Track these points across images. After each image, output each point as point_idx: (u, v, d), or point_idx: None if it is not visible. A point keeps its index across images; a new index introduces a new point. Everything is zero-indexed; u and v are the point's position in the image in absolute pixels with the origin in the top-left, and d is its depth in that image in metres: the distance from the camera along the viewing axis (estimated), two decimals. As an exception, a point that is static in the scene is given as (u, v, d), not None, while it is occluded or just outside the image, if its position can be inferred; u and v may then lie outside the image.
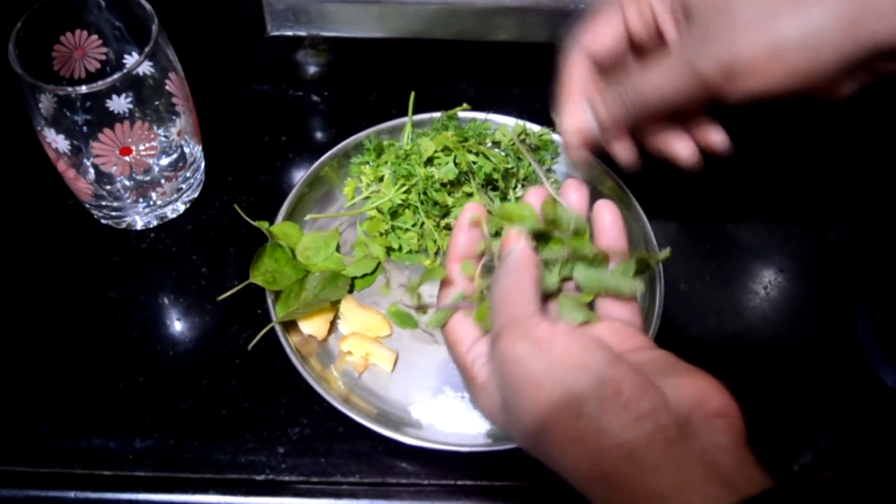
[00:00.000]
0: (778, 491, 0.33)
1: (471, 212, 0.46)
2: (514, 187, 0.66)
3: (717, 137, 0.52)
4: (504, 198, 0.65)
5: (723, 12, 0.43)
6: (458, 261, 0.46)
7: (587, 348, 0.38)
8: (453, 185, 0.64)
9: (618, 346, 0.40)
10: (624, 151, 0.54)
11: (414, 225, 0.64)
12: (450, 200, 0.63)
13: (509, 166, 0.65)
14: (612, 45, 0.51)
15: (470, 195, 0.64)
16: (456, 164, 0.63)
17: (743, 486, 0.33)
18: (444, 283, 0.46)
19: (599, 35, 0.51)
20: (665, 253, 0.46)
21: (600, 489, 0.36)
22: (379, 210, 0.64)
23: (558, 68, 0.53)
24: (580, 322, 0.42)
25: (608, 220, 0.45)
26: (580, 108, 0.51)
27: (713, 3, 0.44)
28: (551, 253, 0.45)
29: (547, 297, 0.44)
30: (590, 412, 0.35)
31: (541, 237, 0.46)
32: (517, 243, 0.43)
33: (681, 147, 0.52)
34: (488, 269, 0.45)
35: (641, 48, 0.50)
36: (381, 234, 0.64)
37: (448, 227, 0.64)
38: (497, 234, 0.46)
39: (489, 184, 0.65)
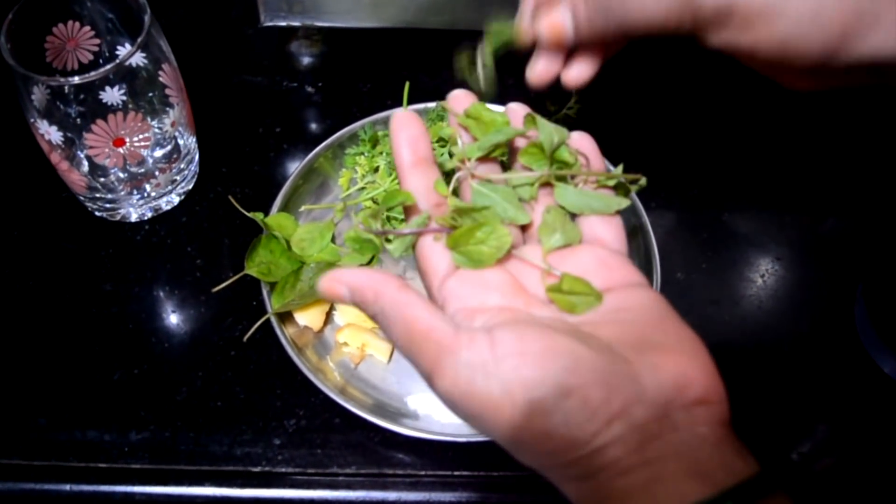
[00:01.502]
0: (754, 481, 0.32)
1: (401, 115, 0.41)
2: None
3: (574, 73, 0.49)
4: None
5: None
6: (413, 172, 0.41)
7: (541, 359, 0.33)
8: (448, 175, 0.63)
9: (603, 280, 0.38)
10: (581, 68, 0.50)
11: None
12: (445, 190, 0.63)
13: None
14: None
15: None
16: (451, 155, 0.63)
17: (721, 478, 0.32)
18: (409, 207, 0.41)
19: None
20: (642, 181, 0.43)
21: (574, 490, 0.34)
22: (374, 201, 0.64)
23: None
24: (560, 245, 0.39)
25: (587, 147, 0.43)
26: (561, 9, 0.46)
27: None
28: (532, 172, 0.42)
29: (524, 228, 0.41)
30: (557, 428, 0.33)
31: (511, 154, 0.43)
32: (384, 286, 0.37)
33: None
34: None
35: None
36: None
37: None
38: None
39: None
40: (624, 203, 0.41)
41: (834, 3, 0.39)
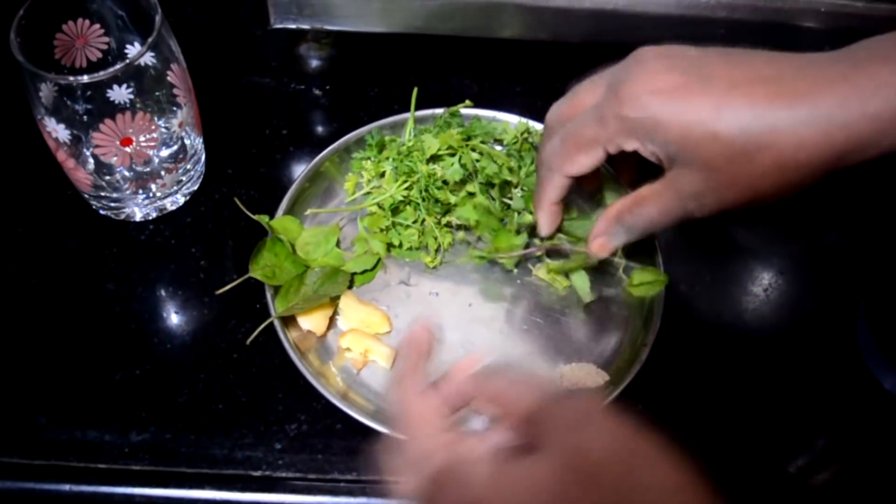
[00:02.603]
0: None
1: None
2: (516, 186, 0.65)
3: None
4: (505, 196, 0.65)
5: (713, 172, 0.46)
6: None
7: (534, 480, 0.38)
8: (456, 183, 0.64)
9: None
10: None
11: (415, 222, 0.64)
12: (452, 198, 0.63)
13: (512, 166, 0.65)
14: (589, 171, 0.52)
15: (472, 195, 0.63)
16: (462, 165, 0.63)
17: None
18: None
19: (579, 164, 0.52)
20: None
21: None
22: (380, 206, 0.64)
23: (538, 182, 0.56)
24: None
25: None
26: (556, 221, 0.58)
27: (702, 161, 0.46)
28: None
29: None
30: None
31: None
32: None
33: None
34: None
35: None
36: (382, 231, 0.64)
37: (449, 225, 0.64)
38: None
39: (491, 184, 0.65)
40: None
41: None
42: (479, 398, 0.43)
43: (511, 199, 0.64)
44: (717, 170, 0.46)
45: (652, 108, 0.46)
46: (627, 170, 0.59)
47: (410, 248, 0.64)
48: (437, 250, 0.64)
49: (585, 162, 0.51)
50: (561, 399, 0.41)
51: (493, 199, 0.64)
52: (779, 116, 0.44)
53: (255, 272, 0.60)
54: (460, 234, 0.65)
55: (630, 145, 0.48)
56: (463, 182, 0.64)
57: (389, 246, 0.64)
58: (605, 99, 0.49)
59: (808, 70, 0.45)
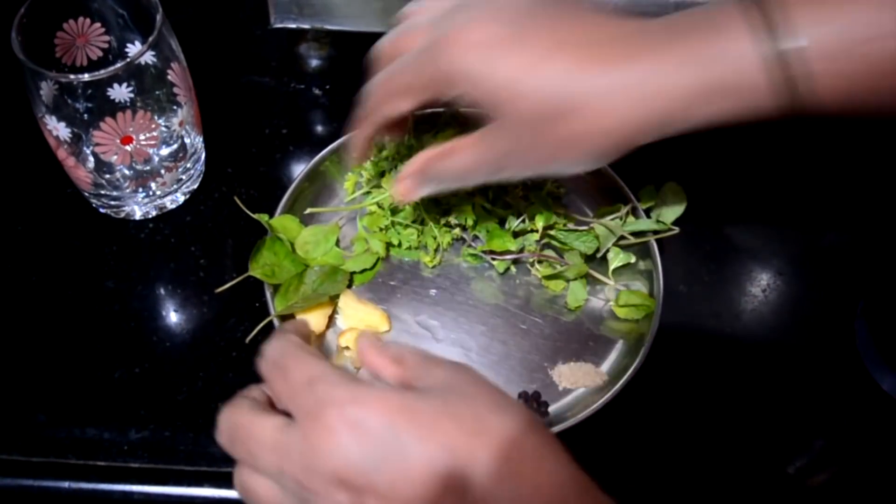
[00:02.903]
0: None
1: None
2: (515, 187, 0.65)
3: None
4: (505, 194, 0.65)
5: (527, 128, 0.46)
6: None
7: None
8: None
9: None
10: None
11: (414, 221, 0.64)
12: (451, 199, 0.63)
13: None
14: (405, 114, 0.52)
15: (472, 194, 0.63)
16: None
17: None
18: None
19: (395, 107, 0.51)
20: None
21: None
22: (379, 206, 0.64)
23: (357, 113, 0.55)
24: None
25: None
26: (365, 154, 0.58)
27: (519, 117, 0.46)
28: None
29: None
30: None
31: None
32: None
33: None
34: None
35: None
36: (381, 230, 0.64)
37: (449, 225, 0.64)
38: None
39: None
40: None
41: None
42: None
43: (511, 200, 0.65)
44: (526, 128, 0.46)
45: (469, 60, 0.45)
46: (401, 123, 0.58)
47: (410, 248, 0.64)
48: (436, 250, 0.64)
49: (402, 106, 0.50)
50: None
51: (491, 199, 0.64)
52: (591, 80, 0.44)
53: (255, 271, 0.60)
54: (456, 231, 0.64)
55: (448, 93, 0.48)
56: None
57: (389, 245, 0.64)
58: (427, 45, 0.48)
59: (633, 37, 0.45)
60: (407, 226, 0.64)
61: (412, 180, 0.53)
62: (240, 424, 0.40)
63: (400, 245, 0.64)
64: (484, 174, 0.50)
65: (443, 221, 0.64)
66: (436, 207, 0.64)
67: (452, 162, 0.50)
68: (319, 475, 0.36)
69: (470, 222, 0.63)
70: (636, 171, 0.65)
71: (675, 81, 0.43)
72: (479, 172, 0.50)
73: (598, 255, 0.63)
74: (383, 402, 0.37)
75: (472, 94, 0.46)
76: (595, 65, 0.44)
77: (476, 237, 0.65)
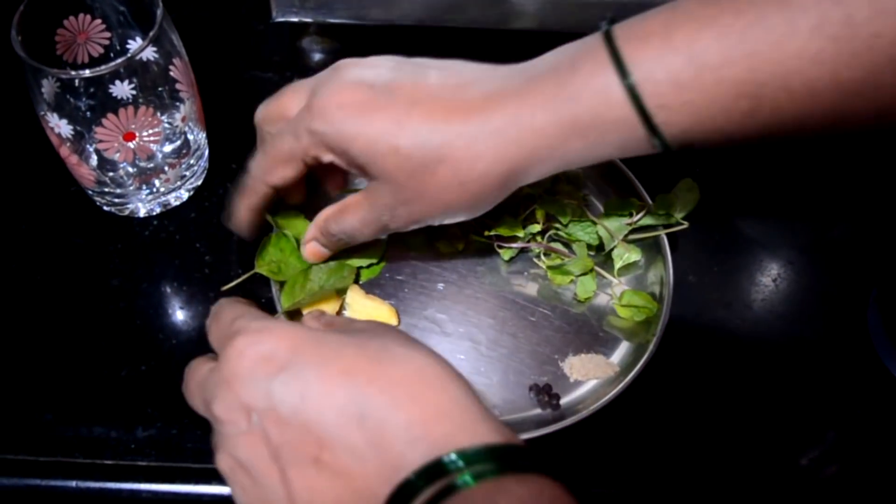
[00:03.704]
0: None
1: None
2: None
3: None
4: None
5: (400, 187, 0.48)
6: None
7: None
8: None
9: None
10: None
11: None
12: None
13: None
14: (291, 181, 0.53)
15: None
16: None
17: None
18: None
19: (280, 175, 0.53)
20: None
21: None
22: None
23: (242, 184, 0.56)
24: None
25: None
26: (256, 228, 0.59)
27: (389, 177, 0.48)
28: None
29: None
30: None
31: None
32: None
33: None
34: None
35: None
36: None
37: None
38: None
39: None
40: None
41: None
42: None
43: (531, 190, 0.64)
44: (401, 183, 0.48)
45: (338, 123, 0.48)
46: (334, 178, 0.60)
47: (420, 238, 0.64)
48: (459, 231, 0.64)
49: (287, 173, 0.52)
50: None
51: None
52: (454, 131, 0.46)
53: (261, 268, 0.59)
54: None
55: (326, 157, 0.50)
56: None
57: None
58: (302, 110, 0.50)
59: (492, 83, 0.47)
60: None
61: (315, 242, 0.57)
62: (186, 373, 0.43)
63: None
64: (373, 229, 0.53)
65: None
66: None
67: (346, 220, 0.53)
68: (226, 403, 0.38)
69: None
70: (647, 161, 0.64)
71: (539, 121, 0.45)
72: (368, 228, 0.53)
73: (606, 249, 0.63)
74: (291, 333, 0.38)
75: (350, 153, 0.48)
76: (459, 115, 0.46)
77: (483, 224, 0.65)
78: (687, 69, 0.42)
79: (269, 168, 0.53)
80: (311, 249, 0.58)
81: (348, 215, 0.53)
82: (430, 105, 0.46)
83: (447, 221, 0.52)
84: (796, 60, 0.40)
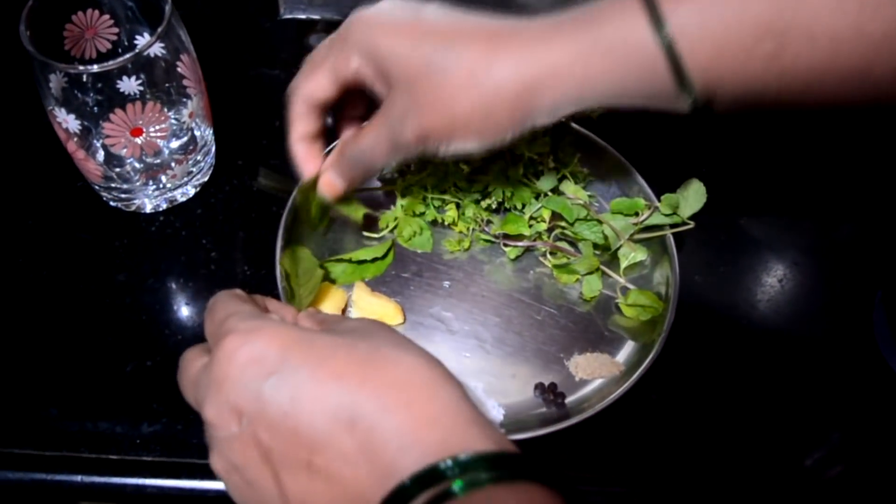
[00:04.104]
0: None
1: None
2: (540, 163, 0.64)
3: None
4: (531, 172, 0.64)
5: (414, 88, 0.48)
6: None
7: None
8: (483, 160, 0.63)
9: None
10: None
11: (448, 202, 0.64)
12: (484, 178, 0.63)
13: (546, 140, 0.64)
14: (330, 93, 0.53)
15: (505, 170, 0.63)
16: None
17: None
18: None
19: (314, 83, 0.54)
20: None
21: None
22: (423, 186, 0.64)
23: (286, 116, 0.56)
24: None
25: None
26: (314, 161, 0.57)
27: (406, 78, 0.48)
28: None
29: None
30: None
31: None
32: None
33: None
34: None
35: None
36: (417, 215, 0.64)
37: (489, 209, 0.65)
38: None
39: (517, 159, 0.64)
40: None
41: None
42: None
43: (538, 176, 0.64)
44: (417, 84, 0.47)
45: (366, 28, 0.50)
46: (354, 105, 0.59)
47: (439, 223, 0.65)
48: (466, 229, 0.65)
49: (321, 81, 0.53)
50: None
51: (530, 179, 0.64)
52: (476, 41, 0.46)
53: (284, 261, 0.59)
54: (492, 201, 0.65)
55: (353, 63, 0.50)
56: (493, 160, 0.63)
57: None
58: (339, 29, 0.52)
59: (519, 27, 0.47)
60: (445, 201, 0.63)
61: (332, 171, 0.55)
62: (180, 365, 0.42)
63: (443, 223, 0.65)
64: (386, 147, 0.51)
65: (484, 206, 0.64)
66: (470, 186, 0.64)
67: (360, 139, 0.53)
68: (217, 406, 0.37)
69: (508, 194, 0.63)
70: (653, 161, 0.65)
71: (559, 39, 0.45)
72: (381, 145, 0.52)
73: (612, 248, 0.63)
74: (282, 334, 0.38)
75: (373, 56, 0.49)
76: (483, 32, 0.47)
77: (489, 222, 0.64)
78: (711, 1, 0.42)
79: (305, 79, 0.54)
80: (326, 179, 0.56)
81: (364, 135, 0.52)
82: (457, 23, 0.48)
83: (455, 147, 0.49)
84: (820, 8, 0.40)
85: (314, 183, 0.56)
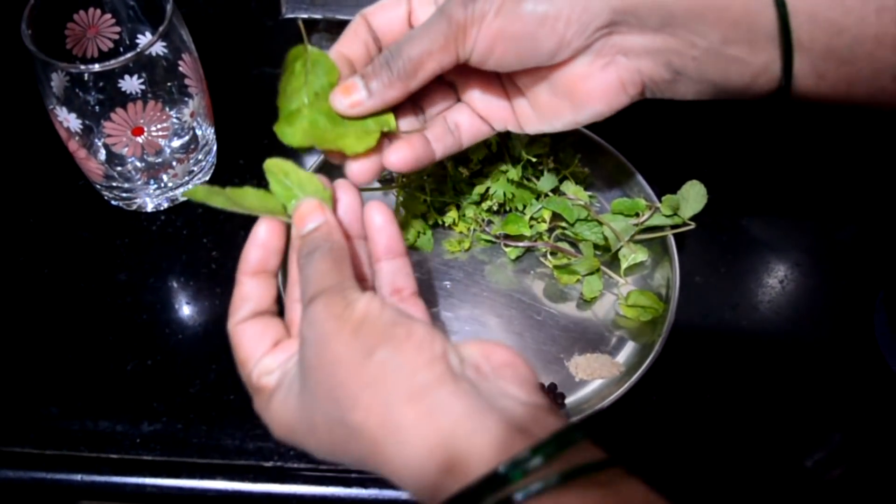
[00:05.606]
0: (564, 434, 0.35)
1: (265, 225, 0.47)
2: (539, 164, 0.64)
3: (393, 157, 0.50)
4: (532, 173, 0.64)
5: None
6: (249, 275, 0.46)
7: (382, 306, 0.38)
8: (481, 161, 0.63)
9: None
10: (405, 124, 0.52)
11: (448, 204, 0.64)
12: (485, 180, 0.63)
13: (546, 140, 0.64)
14: (395, 23, 0.49)
15: (505, 172, 0.63)
16: (486, 144, 0.63)
17: (536, 432, 0.35)
18: (237, 294, 0.46)
19: (381, 7, 0.49)
20: None
21: (392, 440, 0.36)
22: (422, 187, 0.64)
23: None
24: None
25: (379, 223, 0.46)
26: (353, 81, 0.48)
27: None
28: None
29: None
30: (383, 356, 0.36)
31: None
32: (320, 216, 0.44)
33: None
34: None
35: None
36: (418, 216, 0.64)
37: (490, 210, 0.65)
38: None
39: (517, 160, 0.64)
40: None
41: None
42: None
43: (539, 177, 0.64)
44: None
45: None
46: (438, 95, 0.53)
47: (439, 224, 0.65)
48: (467, 230, 0.65)
49: (391, 9, 0.49)
50: None
51: (529, 178, 0.64)
52: None
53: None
54: (492, 203, 0.65)
55: (464, 48, 0.46)
56: (492, 161, 0.63)
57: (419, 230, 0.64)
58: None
59: None
60: (445, 203, 0.63)
61: (360, 82, 0.48)
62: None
63: (443, 225, 0.65)
64: (445, 48, 0.46)
65: (485, 207, 0.64)
66: (469, 188, 0.64)
67: (413, 37, 0.46)
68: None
69: (509, 195, 0.63)
70: (653, 161, 0.64)
71: None
72: (436, 43, 0.45)
73: (612, 249, 0.63)
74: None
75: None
76: None
77: (490, 223, 0.64)
78: None
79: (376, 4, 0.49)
80: (352, 93, 0.48)
81: (417, 32, 0.46)
82: None
83: (524, 60, 0.46)
84: None
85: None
